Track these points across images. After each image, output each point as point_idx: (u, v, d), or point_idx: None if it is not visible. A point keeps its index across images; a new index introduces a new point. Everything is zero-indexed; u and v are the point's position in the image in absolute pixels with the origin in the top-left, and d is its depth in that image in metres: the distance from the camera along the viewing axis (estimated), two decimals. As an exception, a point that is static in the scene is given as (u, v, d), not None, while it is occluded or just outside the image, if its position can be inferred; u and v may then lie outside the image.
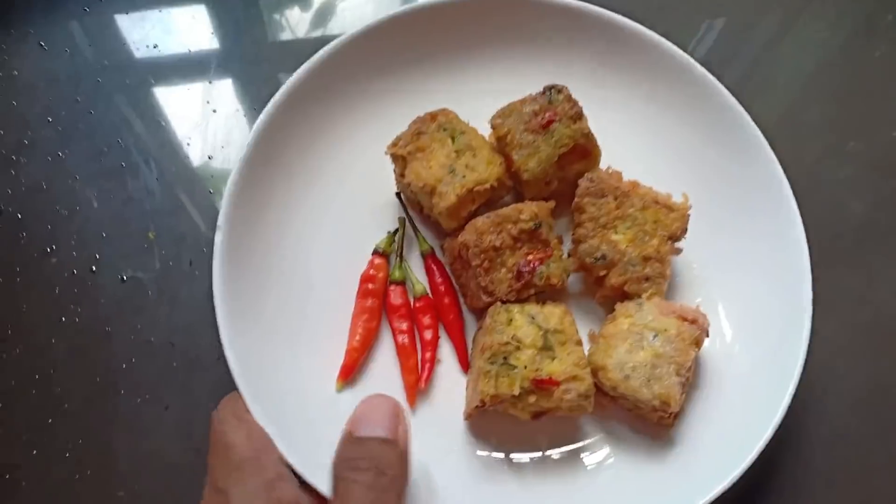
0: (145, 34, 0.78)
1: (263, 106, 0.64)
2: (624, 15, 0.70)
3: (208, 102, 0.76)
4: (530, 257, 0.60)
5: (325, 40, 0.67)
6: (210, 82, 0.77)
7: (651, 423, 0.60)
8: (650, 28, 0.70)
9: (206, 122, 0.75)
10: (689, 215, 0.62)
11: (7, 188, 0.71)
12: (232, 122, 0.75)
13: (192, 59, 0.78)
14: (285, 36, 0.81)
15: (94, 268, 0.69)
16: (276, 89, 0.65)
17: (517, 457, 0.60)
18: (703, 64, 0.69)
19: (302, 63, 0.66)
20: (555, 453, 0.61)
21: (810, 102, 0.82)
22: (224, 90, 0.77)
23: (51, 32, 0.77)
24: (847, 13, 0.87)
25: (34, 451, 0.63)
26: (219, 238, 0.59)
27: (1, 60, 0.76)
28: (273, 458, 0.52)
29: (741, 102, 0.67)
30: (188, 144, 0.74)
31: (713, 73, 0.69)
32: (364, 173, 0.68)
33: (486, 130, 0.66)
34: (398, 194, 0.68)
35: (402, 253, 0.66)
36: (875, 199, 0.77)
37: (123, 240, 0.70)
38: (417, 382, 0.62)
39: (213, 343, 0.56)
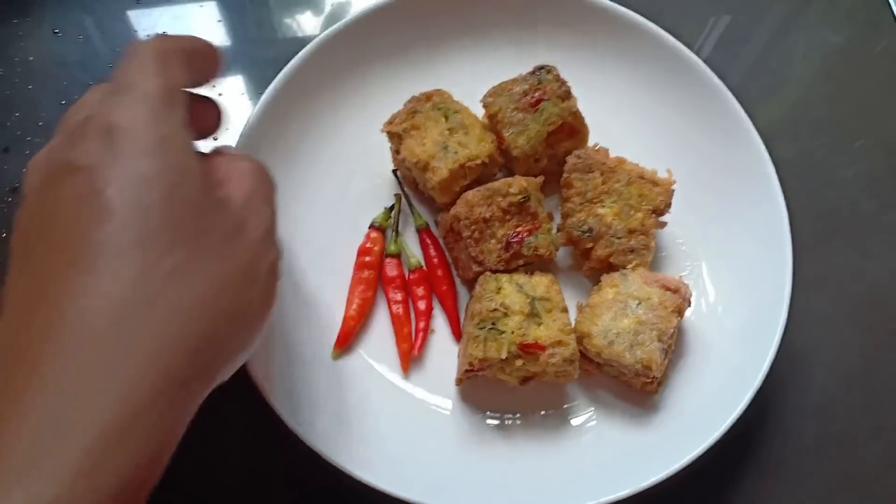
0: (154, 21, 0.81)
1: (267, 89, 0.66)
2: (628, 7, 0.72)
3: (214, 86, 0.78)
4: (519, 229, 0.62)
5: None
6: (217, 67, 0.79)
7: (636, 391, 0.62)
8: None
9: (212, 105, 0.78)
10: (673, 190, 0.64)
11: (22, 167, 0.74)
12: (237, 105, 0.77)
13: (200, 45, 0.81)
14: (294, 33, 0.83)
15: (102, 242, 0.71)
16: (282, 76, 0.67)
17: (506, 421, 0.62)
18: (708, 62, 0.71)
19: (305, 50, 0.68)
20: (542, 418, 0.63)
21: (816, 99, 0.83)
22: (230, 76, 0.79)
23: (64, 19, 0.80)
24: (852, 9, 0.88)
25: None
26: (222, 211, 0.61)
27: (17, 46, 0.78)
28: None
29: (746, 100, 0.69)
30: (194, 126, 0.77)
31: (718, 71, 0.70)
32: (362, 152, 0.70)
33: (479, 111, 0.68)
34: (394, 171, 0.70)
35: (397, 227, 0.68)
36: (870, 184, 0.79)
37: (131, 216, 0.72)
38: (411, 350, 0.64)
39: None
